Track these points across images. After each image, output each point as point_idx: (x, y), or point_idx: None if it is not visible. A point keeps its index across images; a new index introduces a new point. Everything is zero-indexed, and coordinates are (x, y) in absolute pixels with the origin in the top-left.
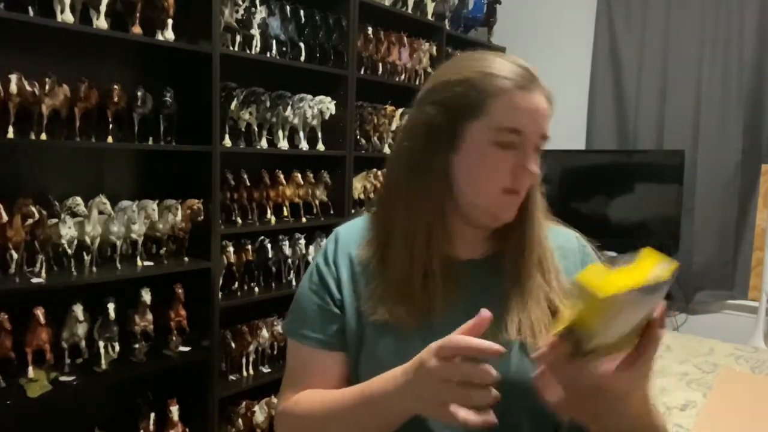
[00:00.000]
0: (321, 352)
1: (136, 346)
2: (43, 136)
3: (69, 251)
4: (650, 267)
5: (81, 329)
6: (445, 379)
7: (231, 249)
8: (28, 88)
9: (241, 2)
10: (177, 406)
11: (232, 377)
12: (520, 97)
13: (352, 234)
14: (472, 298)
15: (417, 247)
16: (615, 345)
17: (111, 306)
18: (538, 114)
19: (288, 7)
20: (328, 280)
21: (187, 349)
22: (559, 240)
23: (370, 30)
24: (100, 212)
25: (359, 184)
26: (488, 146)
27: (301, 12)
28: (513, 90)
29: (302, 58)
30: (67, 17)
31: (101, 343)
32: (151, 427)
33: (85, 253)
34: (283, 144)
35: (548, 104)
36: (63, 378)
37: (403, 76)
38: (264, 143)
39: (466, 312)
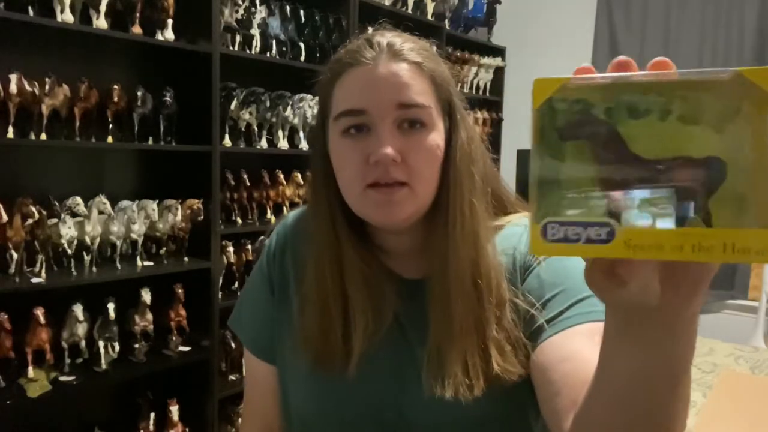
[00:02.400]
0: (257, 360)
1: (136, 346)
2: (43, 136)
3: (69, 251)
4: None
5: (81, 329)
6: None
7: (231, 249)
8: (28, 88)
9: (241, 2)
10: (177, 406)
11: (232, 377)
12: (352, 75)
13: (301, 225)
14: (394, 327)
15: (327, 265)
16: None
17: (111, 306)
18: (380, 83)
19: (288, 7)
20: (266, 275)
21: (187, 349)
22: (509, 242)
23: (369, 30)
24: (100, 212)
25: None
26: (338, 140)
27: (301, 12)
28: (347, 72)
29: (302, 58)
30: (67, 17)
31: (101, 343)
32: (151, 427)
33: (85, 253)
34: (283, 144)
35: (406, 66)
36: (63, 378)
37: None
38: (264, 143)
39: (390, 340)
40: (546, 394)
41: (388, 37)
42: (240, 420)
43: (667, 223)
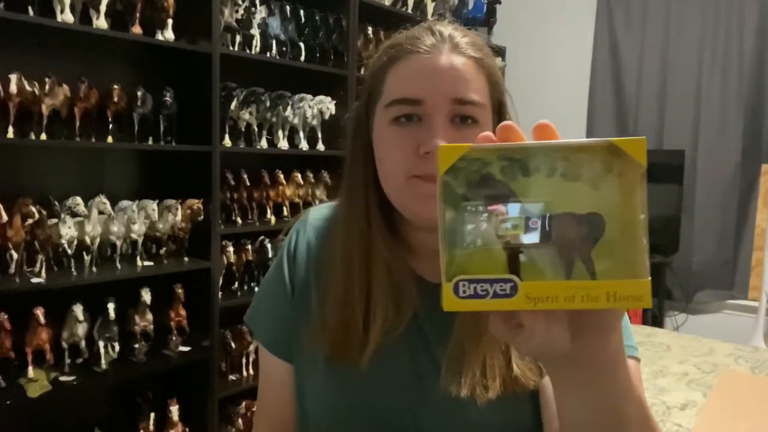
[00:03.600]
0: (273, 357)
1: (136, 346)
2: (43, 136)
3: (69, 251)
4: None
5: (81, 329)
6: None
7: (231, 249)
8: (28, 88)
9: (241, 2)
10: (177, 406)
11: (232, 377)
12: (413, 62)
13: (321, 222)
14: (412, 327)
15: (356, 254)
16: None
17: (111, 306)
18: (440, 75)
19: (288, 7)
20: (285, 273)
21: (187, 349)
22: None
23: (370, 30)
24: (100, 212)
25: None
26: (386, 127)
27: (301, 12)
28: (405, 57)
29: (302, 58)
30: (67, 17)
31: (101, 343)
32: (151, 427)
33: (85, 253)
34: (283, 144)
35: (466, 61)
36: (63, 378)
37: None
38: (264, 143)
39: (407, 338)
40: (547, 415)
41: (450, 28)
42: (239, 420)
43: (559, 276)
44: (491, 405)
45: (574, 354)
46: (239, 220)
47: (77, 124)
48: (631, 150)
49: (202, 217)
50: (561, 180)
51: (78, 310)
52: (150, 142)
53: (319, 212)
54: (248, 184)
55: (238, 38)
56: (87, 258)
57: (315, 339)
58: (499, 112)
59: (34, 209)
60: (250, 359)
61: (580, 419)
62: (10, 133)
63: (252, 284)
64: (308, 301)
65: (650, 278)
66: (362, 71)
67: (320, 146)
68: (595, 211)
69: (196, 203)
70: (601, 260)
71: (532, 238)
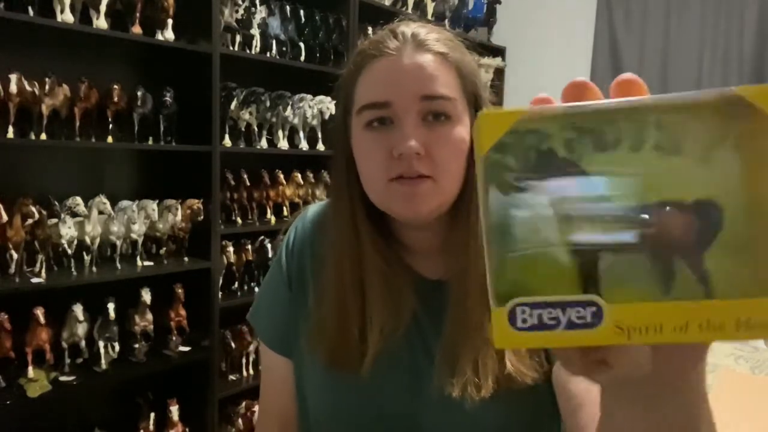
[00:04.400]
0: (274, 354)
1: (136, 346)
2: (43, 136)
3: (69, 251)
4: None
5: (81, 329)
6: None
7: (231, 249)
8: (28, 88)
9: (241, 2)
10: (177, 406)
11: (232, 377)
12: (378, 66)
13: (320, 220)
14: (411, 327)
15: (347, 267)
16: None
17: (111, 306)
18: (405, 74)
19: (288, 7)
20: (284, 270)
21: (187, 349)
22: None
23: (370, 30)
24: (100, 212)
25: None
26: (361, 133)
27: (301, 12)
28: (370, 63)
29: (302, 58)
30: (67, 17)
31: (101, 343)
32: (151, 427)
33: (85, 253)
34: (283, 144)
35: (432, 57)
36: (63, 378)
37: None
38: (264, 143)
39: (407, 337)
40: (568, 408)
41: (412, 27)
42: (239, 420)
43: (659, 293)
44: (486, 403)
45: (654, 378)
46: (239, 220)
47: (77, 124)
48: (765, 102)
49: (202, 217)
50: (654, 154)
51: (78, 310)
52: (150, 142)
53: (318, 209)
54: (248, 184)
55: (238, 38)
56: (87, 258)
57: (314, 345)
58: (476, 105)
59: (34, 209)
60: (250, 359)
61: None
62: (10, 133)
63: (252, 284)
64: (306, 298)
65: None
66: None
67: (320, 146)
68: (709, 198)
69: (196, 203)
70: (720, 269)
71: (616, 237)
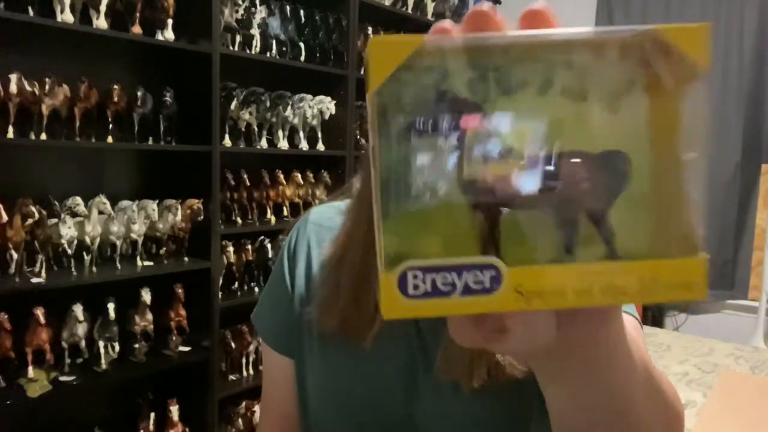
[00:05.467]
0: (276, 354)
1: (136, 346)
2: (43, 136)
3: (69, 251)
4: None
5: (81, 329)
6: None
7: (231, 249)
8: (28, 88)
9: (241, 2)
10: (177, 406)
11: (232, 377)
12: None
13: (322, 221)
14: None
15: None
16: None
17: (111, 306)
18: None
19: (288, 7)
20: (285, 270)
21: (187, 349)
22: None
23: (370, 30)
24: (100, 212)
25: (359, 184)
26: None
27: (301, 12)
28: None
29: (302, 58)
30: (67, 17)
31: (101, 343)
32: (151, 427)
33: (85, 253)
34: (283, 144)
35: None
36: (63, 378)
37: None
38: (264, 143)
39: (404, 325)
40: None
41: None
42: (239, 420)
43: (564, 254)
44: (477, 394)
45: (560, 347)
46: (239, 220)
47: (77, 124)
48: (685, 43)
49: (202, 217)
50: (562, 99)
51: (78, 310)
52: (150, 142)
53: (321, 211)
54: (248, 184)
55: (238, 38)
56: (87, 258)
57: (323, 316)
58: None
59: (34, 209)
60: (250, 359)
61: (577, 419)
62: (10, 133)
63: (252, 284)
64: (308, 296)
65: (707, 255)
66: (362, 71)
67: (320, 146)
68: (617, 149)
69: (196, 203)
70: (624, 227)
71: (518, 191)
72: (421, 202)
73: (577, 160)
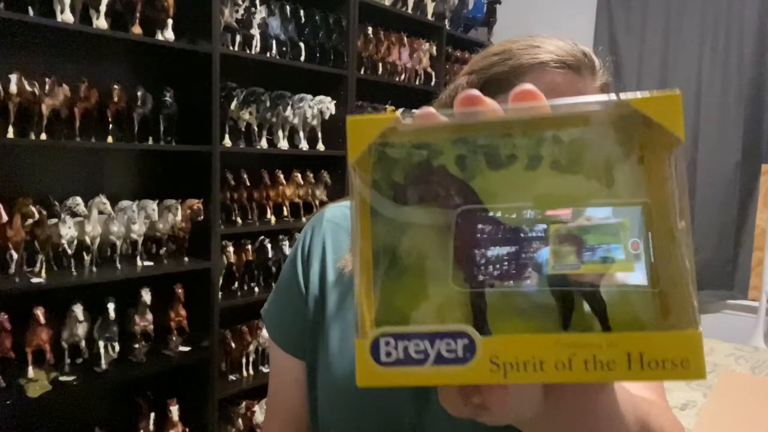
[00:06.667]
0: (285, 355)
1: (136, 346)
2: (43, 136)
3: (69, 251)
4: None
5: (81, 329)
6: None
7: (231, 249)
8: (28, 88)
9: (241, 2)
10: (177, 406)
11: (232, 377)
12: (557, 76)
13: (339, 220)
14: None
15: None
16: None
17: (111, 306)
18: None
19: (288, 7)
20: (299, 271)
21: (187, 349)
22: None
23: (370, 30)
24: (100, 212)
25: None
26: None
27: (301, 12)
28: (552, 66)
29: (302, 58)
30: (67, 17)
31: (101, 343)
32: (151, 427)
33: (85, 253)
34: (283, 144)
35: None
36: (63, 378)
37: (403, 76)
38: (264, 143)
39: None
40: None
41: (590, 51)
42: (239, 420)
43: (549, 324)
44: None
45: (549, 413)
46: (239, 220)
47: (77, 124)
48: (661, 115)
49: (202, 217)
50: (551, 173)
51: (78, 310)
52: (150, 142)
53: (338, 209)
54: (248, 184)
55: (238, 38)
56: (87, 258)
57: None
58: None
59: (34, 209)
60: (250, 359)
61: None
62: (10, 133)
63: (252, 284)
64: (324, 297)
65: (700, 331)
66: (362, 71)
67: (320, 146)
68: (609, 219)
69: (196, 203)
70: (615, 299)
71: (506, 264)
72: (405, 271)
73: (564, 230)
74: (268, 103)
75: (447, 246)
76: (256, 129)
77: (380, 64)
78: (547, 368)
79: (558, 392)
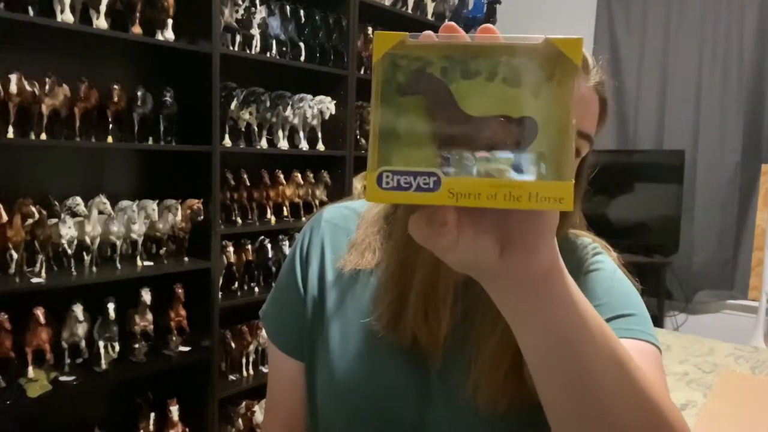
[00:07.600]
0: (283, 356)
1: (136, 346)
2: (43, 136)
3: (69, 251)
4: None
5: (81, 329)
6: None
7: (231, 249)
8: (28, 88)
9: (241, 2)
10: (177, 406)
11: (232, 377)
12: None
13: (337, 221)
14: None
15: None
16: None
17: (111, 306)
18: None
19: (288, 7)
20: (297, 271)
21: (187, 349)
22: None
23: (370, 30)
24: (100, 212)
25: (359, 184)
26: None
27: (301, 12)
28: None
29: (302, 58)
30: (67, 17)
31: (101, 343)
32: (151, 427)
33: (85, 253)
34: (283, 144)
35: (594, 96)
36: (63, 378)
37: None
38: (264, 143)
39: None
40: None
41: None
42: (239, 420)
43: (484, 175)
44: (498, 416)
45: (503, 270)
46: (239, 220)
47: (77, 124)
48: (568, 49)
49: (202, 217)
50: (502, 85)
51: (78, 310)
52: (150, 142)
53: (336, 210)
54: (248, 184)
55: (238, 38)
56: (87, 258)
57: (392, 332)
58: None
59: (34, 209)
60: (250, 359)
61: (532, 356)
62: (10, 133)
63: (252, 284)
64: (323, 297)
65: (573, 181)
66: (362, 71)
67: (320, 146)
68: (530, 116)
69: (196, 203)
70: (530, 163)
71: (465, 135)
72: (400, 139)
73: (506, 119)
74: (268, 103)
75: (429, 124)
76: (256, 129)
77: None
78: (482, 198)
79: (508, 250)
